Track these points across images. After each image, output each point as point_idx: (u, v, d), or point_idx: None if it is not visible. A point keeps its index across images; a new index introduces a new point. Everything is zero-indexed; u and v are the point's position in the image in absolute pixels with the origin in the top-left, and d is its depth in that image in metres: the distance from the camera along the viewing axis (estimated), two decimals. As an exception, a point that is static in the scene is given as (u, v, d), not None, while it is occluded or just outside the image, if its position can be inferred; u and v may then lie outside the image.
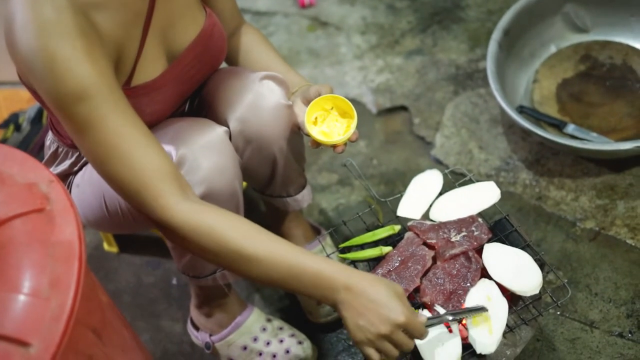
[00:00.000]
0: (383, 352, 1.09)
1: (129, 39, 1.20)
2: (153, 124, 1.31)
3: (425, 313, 1.29)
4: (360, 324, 1.08)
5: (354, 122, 1.33)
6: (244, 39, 1.50)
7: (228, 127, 1.38)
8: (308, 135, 1.34)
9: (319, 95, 1.35)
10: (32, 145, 2.03)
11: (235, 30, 1.51)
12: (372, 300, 1.07)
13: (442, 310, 1.27)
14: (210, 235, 1.09)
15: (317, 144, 1.34)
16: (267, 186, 1.54)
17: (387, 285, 1.09)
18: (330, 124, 1.35)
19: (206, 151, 1.26)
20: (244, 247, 1.09)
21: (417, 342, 1.23)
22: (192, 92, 1.42)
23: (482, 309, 1.25)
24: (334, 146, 1.33)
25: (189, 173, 1.23)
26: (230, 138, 1.36)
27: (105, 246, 1.95)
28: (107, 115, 1.07)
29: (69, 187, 1.46)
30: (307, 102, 1.36)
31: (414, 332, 1.10)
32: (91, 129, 1.07)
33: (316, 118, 1.35)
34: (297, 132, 1.44)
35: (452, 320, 1.22)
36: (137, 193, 1.09)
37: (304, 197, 1.61)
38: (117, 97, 1.09)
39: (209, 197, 1.25)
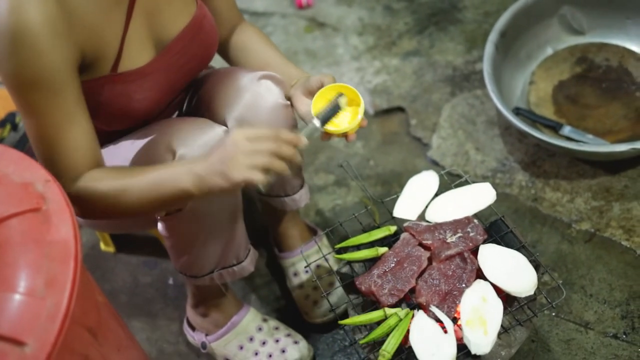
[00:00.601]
0: (256, 167, 1.10)
1: (110, 23, 1.20)
2: (143, 111, 1.31)
3: (421, 313, 1.29)
4: (216, 169, 1.11)
5: (361, 108, 1.29)
6: (243, 36, 1.50)
7: (226, 125, 1.38)
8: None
9: (321, 85, 1.32)
10: (28, 145, 2.02)
11: (233, 28, 1.51)
12: (214, 150, 1.14)
13: (437, 311, 1.28)
14: (91, 197, 1.17)
15: (328, 136, 1.31)
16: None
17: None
18: (338, 114, 1.31)
19: (205, 150, 1.26)
20: (112, 187, 1.17)
21: (412, 342, 1.23)
22: (185, 83, 1.41)
23: (340, 96, 1.26)
24: (345, 136, 1.30)
25: None
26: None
27: (102, 246, 1.95)
28: (53, 108, 1.13)
29: None
30: (308, 93, 1.34)
31: (259, 133, 1.12)
32: (35, 116, 1.14)
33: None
34: (295, 132, 1.44)
35: (321, 126, 1.24)
36: (57, 177, 1.13)
37: (302, 197, 1.61)
38: (67, 92, 1.14)
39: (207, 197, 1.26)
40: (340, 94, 1.27)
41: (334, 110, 1.26)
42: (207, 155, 1.15)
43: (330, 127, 1.28)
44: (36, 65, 1.08)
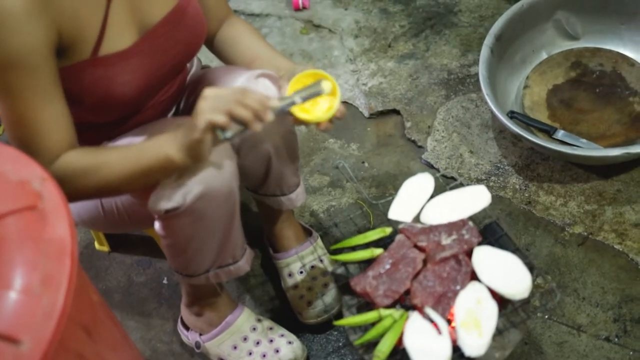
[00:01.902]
0: (223, 111, 1.13)
1: (90, 6, 1.20)
2: (128, 96, 1.30)
3: (416, 315, 1.30)
4: (191, 123, 1.15)
5: (337, 101, 1.27)
6: (232, 30, 1.50)
7: None
8: (290, 113, 1.27)
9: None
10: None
11: (222, 22, 1.51)
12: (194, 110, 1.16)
13: (432, 312, 1.28)
14: (66, 177, 1.18)
15: (298, 122, 1.29)
16: (262, 185, 1.55)
17: None
18: (313, 102, 1.27)
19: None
20: (89, 162, 1.19)
21: (407, 343, 1.24)
22: (172, 70, 1.40)
23: (320, 81, 1.26)
24: (317, 123, 1.28)
25: (186, 173, 1.23)
26: None
27: (96, 245, 1.95)
28: (28, 88, 1.13)
29: None
30: None
31: (225, 90, 1.16)
32: (9, 97, 1.14)
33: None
34: (291, 131, 1.44)
35: (301, 102, 1.23)
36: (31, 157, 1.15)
37: (298, 196, 1.61)
38: (41, 73, 1.14)
39: (206, 197, 1.26)
40: (322, 80, 1.26)
41: (315, 92, 1.25)
42: (182, 121, 1.19)
43: (303, 114, 1.27)
44: (9, 44, 1.08)
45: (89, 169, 1.19)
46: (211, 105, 1.14)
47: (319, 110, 1.28)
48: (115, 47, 1.24)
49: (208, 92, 1.15)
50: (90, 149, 1.23)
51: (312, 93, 1.24)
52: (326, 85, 1.25)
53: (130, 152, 1.21)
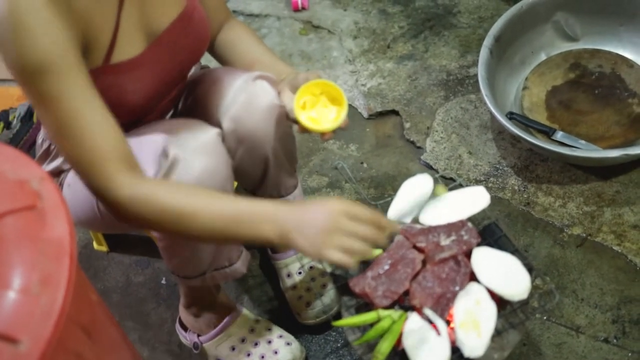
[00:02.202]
0: (349, 251, 1.10)
1: (103, 13, 1.19)
2: (137, 104, 1.30)
3: (415, 315, 1.29)
4: (307, 233, 1.09)
5: (343, 111, 1.29)
6: (231, 33, 1.50)
7: (221, 126, 1.38)
8: (296, 122, 1.31)
9: (308, 81, 1.32)
10: (22, 143, 2.02)
11: (222, 25, 1.51)
12: (310, 210, 1.11)
13: (431, 313, 1.28)
14: (149, 202, 1.12)
15: (304, 130, 1.32)
16: (259, 186, 1.55)
17: (318, 200, 1.14)
18: (319, 110, 1.32)
19: (199, 153, 1.26)
20: (184, 205, 1.12)
21: (405, 344, 1.24)
22: (177, 76, 1.40)
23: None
24: (322, 133, 1.31)
25: (181, 174, 1.23)
26: (222, 138, 1.36)
27: (95, 245, 1.94)
28: (65, 92, 1.09)
29: (61, 185, 1.46)
30: (294, 89, 1.34)
31: (361, 215, 1.11)
32: (49, 104, 1.09)
33: (304, 103, 1.31)
34: (289, 132, 1.44)
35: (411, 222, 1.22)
36: (87, 172, 1.11)
37: (295, 198, 1.61)
38: (77, 74, 1.10)
39: None
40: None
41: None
42: (298, 209, 1.11)
43: (309, 123, 1.29)
44: (39, 47, 1.05)
45: (173, 212, 1.12)
46: (343, 242, 1.09)
47: (326, 120, 1.31)
48: (126, 55, 1.24)
49: (340, 212, 1.10)
50: (179, 186, 1.16)
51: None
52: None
53: (224, 213, 1.13)
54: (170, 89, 1.42)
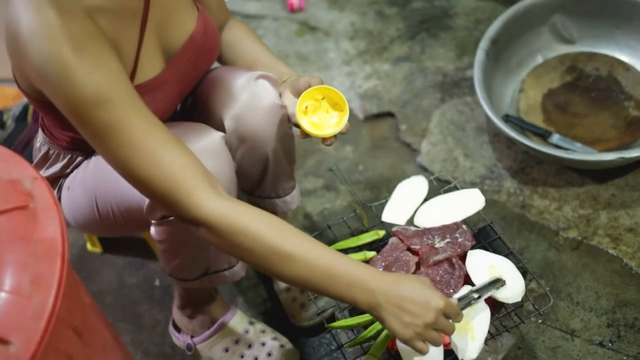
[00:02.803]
0: (431, 341, 1.11)
1: (128, 38, 1.19)
2: None
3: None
4: (405, 321, 1.09)
5: (345, 116, 1.30)
6: (231, 33, 1.51)
7: (223, 125, 1.38)
8: (297, 126, 1.32)
9: (309, 86, 1.33)
10: (16, 143, 2.01)
11: (222, 25, 1.51)
12: (410, 295, 1.09)
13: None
14: (247, 233, 1.08)
15: (305, 135, 1.32)
16: (257, 186, 1.54)
17: (415, 278, 1.12)
18: (320, 115, 1.33)
19: (202, 156, 1.25)
20: (280, 245, 1.09)
21: (399, 346, 1.23)
22: (191, 89, 1.42)
23: (499, 281, 1.27)
24: (323, 138, 1.32)
25: None
26: (226, 140, 1.35)
27: (89, 246, 1.94)
28: (128, 116, 1.06)
29: (60, 189, 1.45)
30: (296, 93, 1.35)
31: (452, 314, 1.12)
32: (114, 132, 1.05)
33: (306, 108, 1.32)
34: (289, 133, 1.44)
35: (477, 298, 1.24)
36: (169, 191, 1.08)
37: (293, 199, 1.61)
38: (135, 98, 1.08)
39: None
40: (500, 278, 1.29)
41: (493, 289, 1.28)
42: (396, 286, 1.09)
43: (311, 128, 1.30)
44: (94, 80, 1.03)
45: (268, 249, 1.08)
46: (428, 335, 1.10)
47: (327, 125, 1.32)
48: (147, 76, 1.24)
49: (439, 307, 1.09)
50: (274, 221, 1.11)
51: (490, 290, 1.27)
52: (503, 284, 1.29)
53: (320, 265, 1.09)
54: (185, 99, 1.43)
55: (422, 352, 1.11)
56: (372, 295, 1.09)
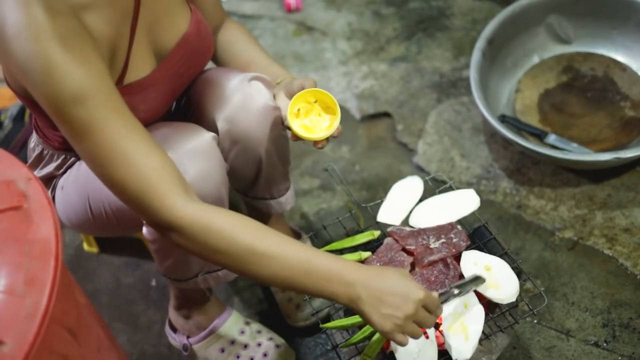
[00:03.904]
0: (410, 334, 1.11)
1: (118, 37, 1.19)
2: (147, 123, 1.30)
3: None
4: (384, 313, 1.09)
5: (337, 120, 1.30)
6: (227, 34, 1.51)
7: (216, 126, 1.38)
8: (289, 129, 1.32)
9: (303, 88, 1.33)
10: (13, 143, 2.01)
11: (218, 26, 1.51)
12: (389, 287, 1.09)
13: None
14: (220, 235, 1.08)
15: (297, 138, 1.33)
16: (251, 188, 1.54)
17: (395, 270, 1.12)
18: (312, 119, 1.33)
19: (193, 156, 1.26)
20: (255, 245, 1.09)
21: (394, 346, 1.23)
22: (183, 89, 1.42)
23: (479, 279, 1.27)
24: (314, 141, 1.32)
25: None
26: (217, 141, 1.35)
27: (85, 246, 1.94)
28: (107, 117, 1.06)
29: (54, 189, 1.45)
30: (290, 95, 1.35)
31: (432, 305, 1.12)
32: (91, 132, 1.06)
33: (299, 110, 1.32)
34: (283, 134, 1.44)
35: (458, 293, 1.23)
36: (142, 194, 1.08)
37: (287, 200, 1.61)
38: (116, 99, 1.08)
39: None
40: (480, 277, 1.28)
41: (473, 286, 1.28)
42: (374, 278, 1.09)
43: (302, 131, 1.31)
44: (75, 78, 1.03)
45: (241, 250, 1.09)
46: (408, 328, 1.10)
47: (319, 128, 1.32)
48: (138, 75, 1.25)
49: (418, 300, 1.09)
50: (247, 222, 1.11)
51: (470, 286, 1.27)
52: (483, 281, 1.29)
53: (297, 262, 1.09)
54: (176, 100, 1.43)
55: (402, 344, 1.11)
56: (351, 288, 1.09)
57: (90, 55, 1.07)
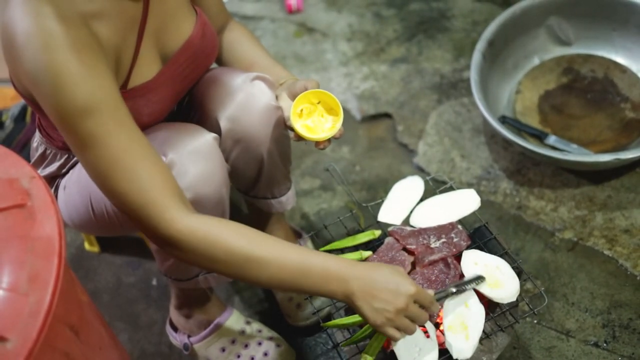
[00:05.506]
0: (402, 329, 1.13)
1: (125, 44, 1.20)
2: (150, 125, 1.31)
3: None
4: (376, 307, 1.11)
5: (339, 121, 1.31)
6: (230, 35, 1.51)
7: (218, 125, 1.38)
8: (292, 129, 1.33)
9: (306, 89, 1.33)
10: (15, 144, 2.02)
11: (222, 27, 1.52)
12: (381, 282, 1.12)
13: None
14: (218, 245, 1.10)
15: (299, 138, 1.33)
16: (252, 187, 1.55)
17: (388, 266, 1.15)
18: (315, 119, 1.34)
19: (194, 157, 1.26)
20: (252, 252, 1.11)
21: (394, 346, 1.24)
22: (187, 91, 1.42)
23: (480, 278, 1.28)
24: (316, 142, 1.33)
25: (176, 179, 1.23)
26: (219, 141, 1.36)
27: (86, 245, 1.94)
28: (113, 130, 1.07)
29: (56, 189, 1.46)
30: (292, 96, 1.35)
31: (425, 301, 1.14)
32: (96, 144, 1.07)
33: (302, 111, 1.33)
34: (285, 134, 1.44)
35: (456, 292, 1.25)
36: (142, 207, 1.09)
37: (288, 200, 1.61)
38: (122, 112, 1.09)
39: (195, 204, 1.25)
40: (481, 276, 1.29)
41: (474, 284, 1.29)
42: (369, 275, 1.12)
43: (304, 131, 1.31)
44: (83, 90, 1.04)
45: (237, 257, 1.11)
46: (401, 323, 1.12)
47: (321, 129, 1.33)
48: (142, 79, 1.25)
49: (410, 295, 1.12)
50: (244, 230, 1.14)
51: (468, 285, 1.28)
52: (483, 280, 1.30)
53: (294, 264, 1.11)
54: (182, 99, 1.44)
55: (394, 339, 1.13)
56: (346, 284, 1.11)
57: (100, 67, 1.07)
